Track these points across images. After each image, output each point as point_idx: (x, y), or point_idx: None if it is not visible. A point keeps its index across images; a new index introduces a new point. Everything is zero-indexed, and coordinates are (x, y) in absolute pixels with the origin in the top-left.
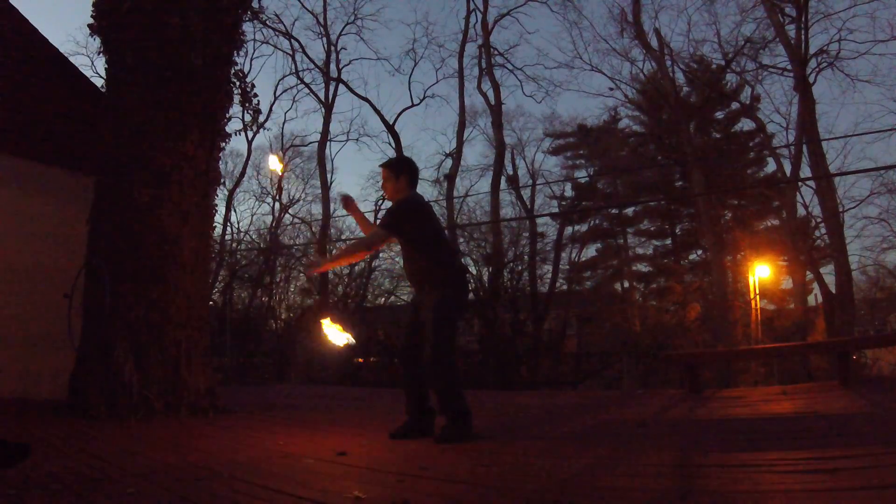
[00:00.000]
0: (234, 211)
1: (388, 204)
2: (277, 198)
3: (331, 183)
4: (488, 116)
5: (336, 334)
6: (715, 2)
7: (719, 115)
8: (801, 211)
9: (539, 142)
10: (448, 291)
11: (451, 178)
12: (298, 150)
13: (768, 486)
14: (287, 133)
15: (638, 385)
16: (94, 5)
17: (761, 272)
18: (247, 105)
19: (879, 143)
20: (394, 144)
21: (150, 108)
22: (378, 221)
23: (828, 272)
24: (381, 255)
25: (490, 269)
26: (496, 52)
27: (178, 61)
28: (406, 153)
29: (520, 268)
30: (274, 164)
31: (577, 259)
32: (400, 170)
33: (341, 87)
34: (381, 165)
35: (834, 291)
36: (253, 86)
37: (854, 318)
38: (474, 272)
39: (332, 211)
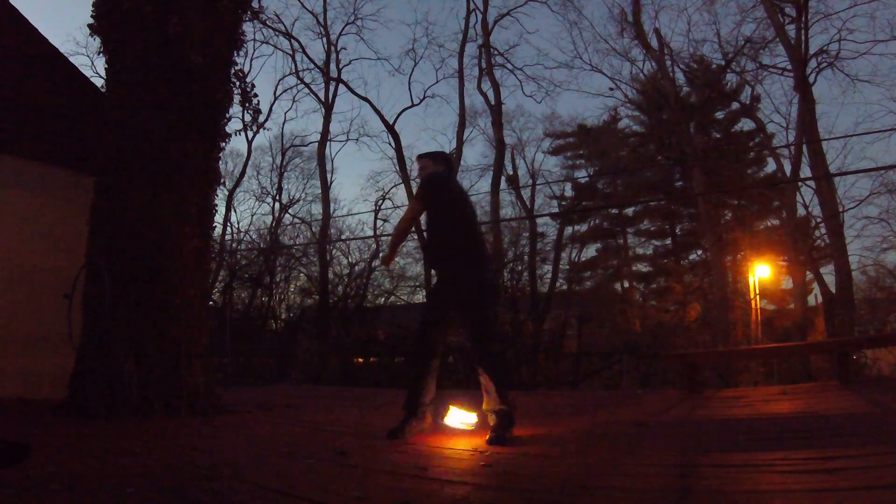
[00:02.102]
0: (234, 211)
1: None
2: None
3: (331, 183)
4: (488, 116)
5: (460, 416)
6: (715, 2)
7: (719, 115)
8: (801, 211)
9: (539, 142)
10: (485, 274)
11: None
12: (298, 150)
13: (768, 486)
14: (287, 133)
15: (638, 385)
16: (94, 5)
17: (761, 272)
18: (247, 105)
19: (879, 143)
20: (394, 144)
21: (151, 108)
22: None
23: (828, 272)
24: (381, 254)
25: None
26: (496, 52)
27: (178, 61)
28: (406, 153)
29: (520, 268)
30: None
31: (577, 259)
32: (436, 159)
33: (341, 87)
34: (418, 157)
35: (834, 291)
36: (253, 86)
37: (854, 318)
38: None
39: (332, 211)
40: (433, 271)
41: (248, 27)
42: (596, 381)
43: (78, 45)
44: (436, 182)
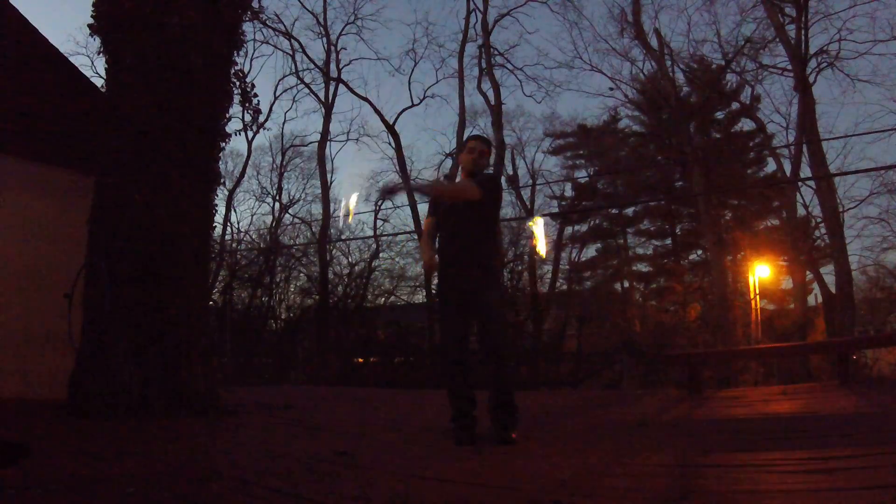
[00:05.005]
0: (234, 211)
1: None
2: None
3: (331, 183)
4: (488, 116)
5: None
6: (715, 2)
7: (719, 115)
8: (801, 211)
9: (539, 142)
10: (501, 278)
11: (451, 178)
12: (298, 150)
13: (768, 486)
14: (287, 133)
15: (638, 385)
16: (94, 5)
17: (761, 272)
18: (247, 105)
19: (879, 143)
20: (394, 144)
21: (150, 108)
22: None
23: (828, 272)
24: (381, 254)
25: None
26: (496, 52)
27: (178, 61)
28: (406, 153)
29: (520, 268)
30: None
31: (577, 259)
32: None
33: (341, 87)
34: (479, 138)
35: (834, 291)
36: (253, 86)
37: (854, 318)
38: None
39: (332, 211)
40: (449, 276)
41: (248, 27)
42: (596, 382)
43: (78, 45)
44: (500, 184)
